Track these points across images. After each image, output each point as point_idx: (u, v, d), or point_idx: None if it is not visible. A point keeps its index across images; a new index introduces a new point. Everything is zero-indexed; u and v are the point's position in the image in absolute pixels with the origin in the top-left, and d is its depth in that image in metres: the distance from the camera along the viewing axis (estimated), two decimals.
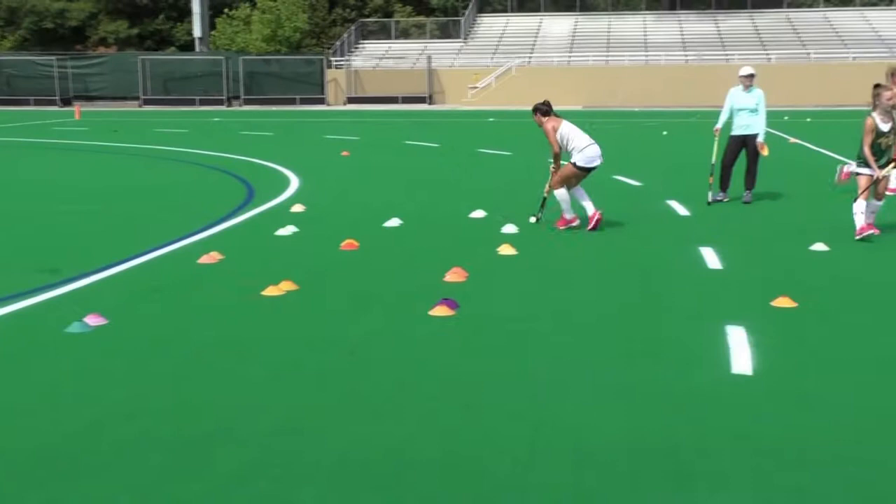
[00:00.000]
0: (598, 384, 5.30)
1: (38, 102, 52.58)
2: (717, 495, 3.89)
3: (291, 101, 52.17)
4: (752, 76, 12.82)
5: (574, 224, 10.72)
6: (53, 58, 54.27)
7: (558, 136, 10.59)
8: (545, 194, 11.08)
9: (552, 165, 10.86)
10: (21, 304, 7.26)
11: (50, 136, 27.95)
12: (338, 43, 57.18)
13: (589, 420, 4.74)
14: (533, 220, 11.05)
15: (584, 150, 10.48)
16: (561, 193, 10.65)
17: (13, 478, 4.10)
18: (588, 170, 10.55)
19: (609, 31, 57.72)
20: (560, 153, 10.68)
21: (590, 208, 10.61)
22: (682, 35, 56.76)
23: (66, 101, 52.29)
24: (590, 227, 10.53)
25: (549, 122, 10.69)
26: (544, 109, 10.79)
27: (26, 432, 4.63)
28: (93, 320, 6.61)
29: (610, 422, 4.72)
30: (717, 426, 4.65)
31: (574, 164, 10.54)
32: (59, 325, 6.51)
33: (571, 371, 5.56)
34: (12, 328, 6.68)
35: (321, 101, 52.50)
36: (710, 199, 12.79)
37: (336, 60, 54.89)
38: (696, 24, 58.40)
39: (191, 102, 52.51)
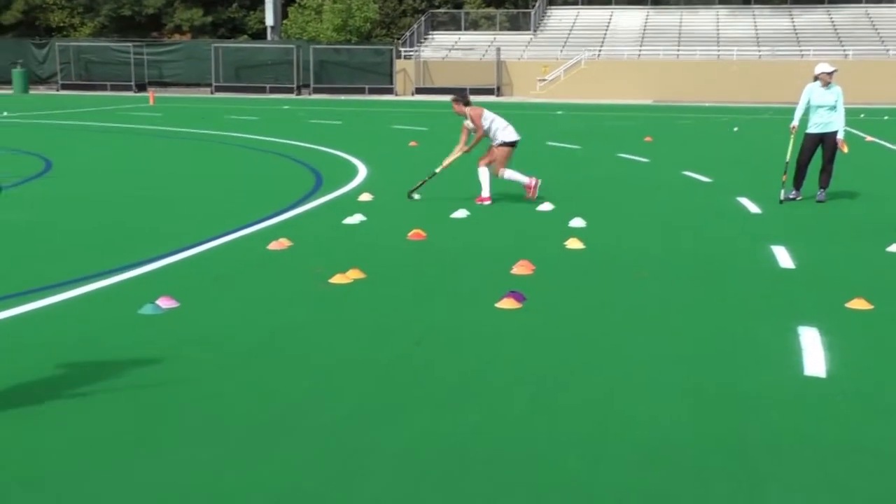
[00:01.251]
0: (666, 382, 5.24)
1: (114, 88, 53.61)
2: (790, 498, 3.82)
3: (360, 91, 52.45)
4: (833, 73, 12.54)
5: (488, 203, 11.97)
6: (130, 44, 55.28)
7: (484, 121, 11.95)
8: (437, 170, 12.61)
9: (459, 148, 12.40)
10: (97, 285, 7.42)
11: (125, 122, 28.49)
12: (407, 33, 57.31)
13: (656, 417, 4.69)
14: (417, 196, 12.22)
15: (506, 128, 11.97)
16: (483, 173, 12.03)
17: (87, 457, 4.19)
18: (514, 144, 12.03)
19: (681, 25, 56.93)
20: (482, 137, 12.11)
21: (525, 179, 12.16)
22: (756, 30, 55.76)
23: (141, 87, 53.26)
24: (531, 195, 12.07)
25: (473, 111, 12.02)
26: (466, 100, 12.23)
27: (99, 413, 4.73)
28: (165, 303, 6.73)
29: (678, 420, 4.66)
30: (789, 428, 4.56)
31: (504, 143, 11.94)
32: (133, 307, 6.64)
33: (639, 367, 5.50)
34: (88, 308, 6.83)
35: (390, 91, 52.69)
36: (782, 196, 12.55)
37: (405, 51, 55.03)
38: (771, 19, 57.31)
39: (261, 90, 53.08)
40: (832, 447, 4.34)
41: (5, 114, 30.88)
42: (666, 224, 10.52)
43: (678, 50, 53.74)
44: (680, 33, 56.04)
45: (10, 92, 48.95)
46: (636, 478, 3.99)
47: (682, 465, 4.11)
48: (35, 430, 4.48)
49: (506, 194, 12.86)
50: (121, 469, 4.04)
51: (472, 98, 13.14)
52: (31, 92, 50.02)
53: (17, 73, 50.14)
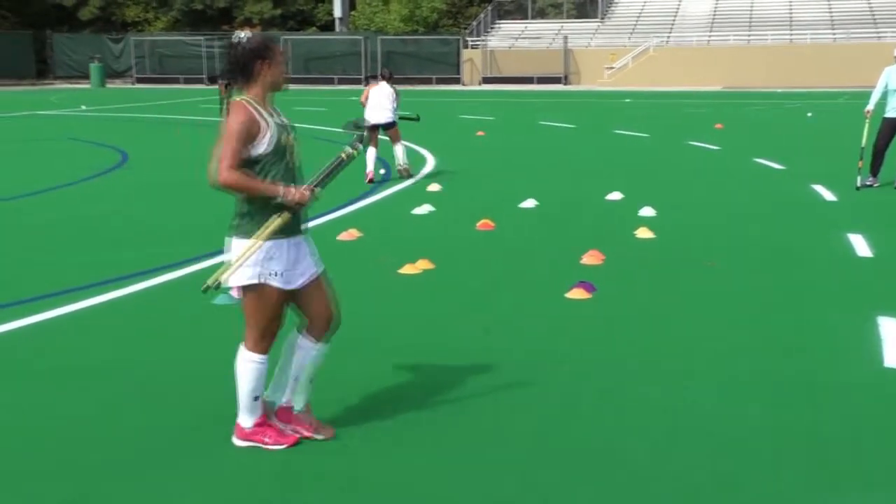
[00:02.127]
0: (739, 372, 5.17)
1: (186, 80, 54.48)
2: (871, 496, 3.74)
3: (428, 81, 52.52)
4: None
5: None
6: (202, 38, 56.14)
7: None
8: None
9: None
10: (173, 275, 7.56)
11: (197, 114, 28.95)
12: (474, 23, 57.19)
13: (730, 410, 4.63)
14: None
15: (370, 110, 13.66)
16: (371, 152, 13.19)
17: (167, 446, 4.28)
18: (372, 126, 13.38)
19: (752, 10, 55.85)
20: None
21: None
22: (831, 12, 54.46)
23: (213, 80, 53.96)
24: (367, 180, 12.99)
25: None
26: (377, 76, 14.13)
27: (176, 403, 4.83)
28: (238, 293, 6.81)
29: (751, 412, 4.59)
30: (869, 422, 4.46)
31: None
32: (207, 297, 6.74)
33: (711, 359, 5.43)
34: (164, 297, 6.97)
35: (457, 81, 52.67)
36: (858, 183, 12.26)
37: (472, 40, 54.93)
38: (846, 1, 55.93)
39: (329, 81, 53.46)
40: None
41: (83, 107, 31.60)
42: (738, 213, 10.35)
43: (749, 35, 52.76)
44: (751, 18, 54.98)
45: (87, 86, 50.07)
46: (708, 470, 3.94)
47: (756, 457, 4.05)
48: (114, 418, 4.59)
49: (575, 184, 12.79)
50: (197, 460, 4.12)
51: (539, 88, 13.23)
52: (108, 86, 51.08)
53: (94, 67, 51.26)
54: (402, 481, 3.86)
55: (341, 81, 53.68)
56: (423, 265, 7.73)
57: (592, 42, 54.51)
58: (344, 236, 9.03)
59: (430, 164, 15.44)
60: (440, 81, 52.73)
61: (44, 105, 32.82)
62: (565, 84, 50.19)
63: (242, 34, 3.97)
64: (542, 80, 49.76)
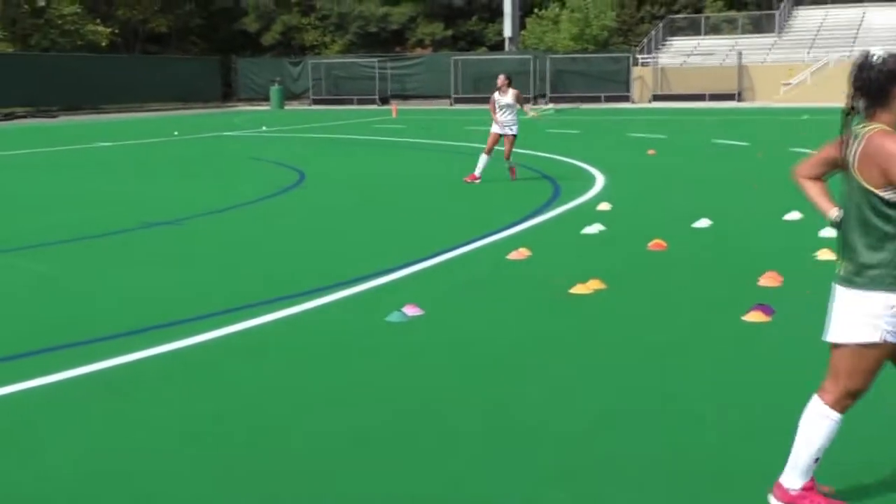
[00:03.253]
0: None
1: (359, 102, 56.12)
2: None
3: (596, 99, 52.20)
4: None
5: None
6: (375, 59, 57.75)
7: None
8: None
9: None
10: (349, 291, 7.81)
11: (371, 134, 29.75)
12: (645, 40, 56.48)
13: None
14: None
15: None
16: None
17: (330, 459, 4.42)
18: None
19: None
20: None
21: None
22: None
23: (384, 100, 55.45)
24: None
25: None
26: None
27: (344, 416, 4.98)
28: (410, 311, 6.98)
29: None
30: None
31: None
32: (381, 314, 6.93)
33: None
34: (341, 314, 7.20)
35: (626, 99, 52.11)
36: None
37: (643, 58, 54.23)
38: None
39: None
40: None
41: (264, 128, 33.04)
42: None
43: None
44: None
45: (268, 108, 52.33)
46: None
47: None
48: (279, 430, 4.78)
49: (751, 203, 12.44)
50: (363, 474, 4.24)
51: (711, 105, 13.01)
52: (287, 107, 53.21)
53: (274, 90, 53.58)
54: None
55: None
56: (594, 285, 7.68)
57: (768, 57, 52.84)
58: (514, 255, 9.08)
59: (600, 182, 15.33)
60: (609, 99, 52.28)
61: (228, 126, 34.50)
62: (739, 101, 48.83)
63: (877, 54, 3.48)
64: (714, 97, 48.58)
